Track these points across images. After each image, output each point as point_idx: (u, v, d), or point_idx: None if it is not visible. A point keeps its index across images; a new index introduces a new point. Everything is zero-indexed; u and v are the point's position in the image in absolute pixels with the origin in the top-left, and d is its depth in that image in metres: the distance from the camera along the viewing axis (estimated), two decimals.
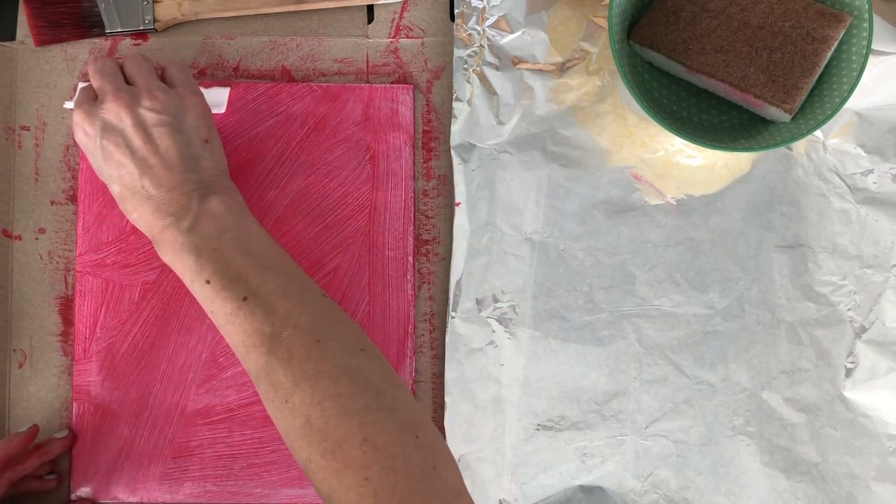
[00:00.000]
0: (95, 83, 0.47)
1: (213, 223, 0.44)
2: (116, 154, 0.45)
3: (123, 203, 0.46)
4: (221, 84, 0.54)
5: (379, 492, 0.37)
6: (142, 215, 0.45)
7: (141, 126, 0.45)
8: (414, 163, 0.55)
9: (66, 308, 0.54)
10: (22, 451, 0.49)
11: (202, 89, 0.50)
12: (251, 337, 0.41)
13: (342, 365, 0.40)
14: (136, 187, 0.44)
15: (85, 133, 0.46)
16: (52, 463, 0.52)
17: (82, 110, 0.46)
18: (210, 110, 0.49)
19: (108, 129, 0.45)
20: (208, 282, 0.42)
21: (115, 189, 0.46)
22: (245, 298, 0.42)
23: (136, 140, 0.45)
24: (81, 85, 0.49)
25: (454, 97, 0.54)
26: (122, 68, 0.48)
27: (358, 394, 0.39)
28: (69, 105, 0.52)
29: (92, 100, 0.47)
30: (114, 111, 0.45)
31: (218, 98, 0.53)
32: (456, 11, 0.55)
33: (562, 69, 0.55)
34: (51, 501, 0.52)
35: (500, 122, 0.54)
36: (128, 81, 0.48)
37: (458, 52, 0.54)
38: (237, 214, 0.45)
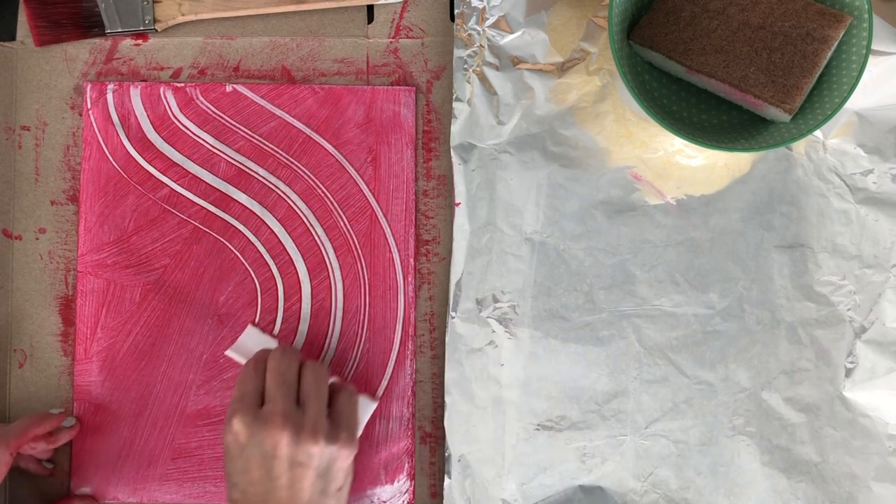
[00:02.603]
0: (270, 383, 0.46)
1: None
2: (256, 473, 0.44)
3: None
4: (372, 397, 0.51)
5: None
6: None
7: (290, 462, 0.44)
8: (415, 164, 0.55)
9: (67, 308, 0.54)
10: (49, 431, 0.50)
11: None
12: None
13: None
14: None
15: (236, 440, 0.45)
16: (53, 451, 0.52)
17: (245, 420, 0.45)
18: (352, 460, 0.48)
19: (256, 449, 0.44)
20: None
21: (234, 494, 0.45)
22: None
23: (278, 470, 0.44)
24: (245, 378, 0.47)
25: (454, 97, 0.54)
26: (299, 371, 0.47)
27: None
28: (236, 355, 0.51)
29: (254, 400, 0.46)
30: (274, 438, 0.44)
31: (364, 413, 0.50)
32: (456, 11, 0.55)
33: (562, 69, 0.55)
34: (50, 497, 0.52)
35: (500, 122, 0.54)
36: (299, 389, 0.47)
37: (458, 53, 0.54)
38: None
